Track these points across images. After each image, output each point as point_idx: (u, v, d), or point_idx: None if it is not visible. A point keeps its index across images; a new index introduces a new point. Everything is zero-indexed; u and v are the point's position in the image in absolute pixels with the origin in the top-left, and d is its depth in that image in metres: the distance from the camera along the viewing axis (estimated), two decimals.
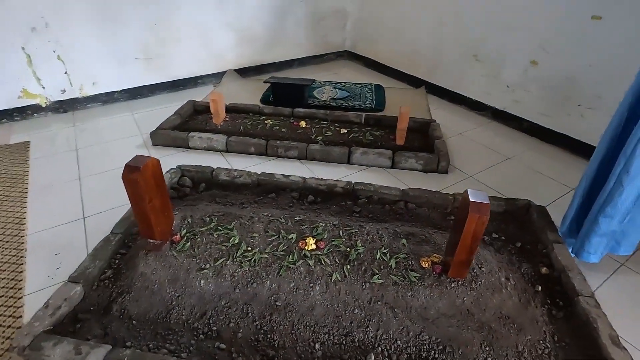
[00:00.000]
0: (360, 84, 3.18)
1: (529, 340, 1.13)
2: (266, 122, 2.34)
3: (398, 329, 1.14)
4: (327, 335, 1.14)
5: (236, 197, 1.73)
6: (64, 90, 2.59)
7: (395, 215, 1.65)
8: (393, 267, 1.26)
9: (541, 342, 1.13)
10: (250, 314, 1.18)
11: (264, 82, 2.68)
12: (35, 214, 1.68)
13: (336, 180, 1.79)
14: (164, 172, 1.30)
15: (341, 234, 1.39)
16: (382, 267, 1.27)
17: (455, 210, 1.68)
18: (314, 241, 1.34)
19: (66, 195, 1.81)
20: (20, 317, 1.24)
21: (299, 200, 1.72)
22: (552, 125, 2.30)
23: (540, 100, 2.33)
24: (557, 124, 2.28)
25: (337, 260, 1.29)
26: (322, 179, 1.80)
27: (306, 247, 1.32)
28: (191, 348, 1.10)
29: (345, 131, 2.27)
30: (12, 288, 1.33)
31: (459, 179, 1.98)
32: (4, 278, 1.37)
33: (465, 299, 1.18)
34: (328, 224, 1.44)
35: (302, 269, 1.26)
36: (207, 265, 1.27)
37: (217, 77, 3.21)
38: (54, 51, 2.44)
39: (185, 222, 1.42)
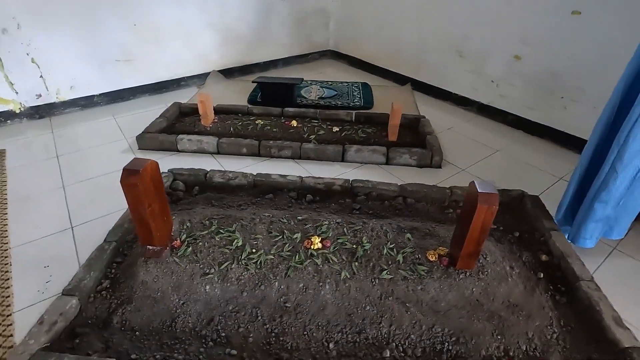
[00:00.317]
0: (346, 82, 3.19)
1: (537, 326, 1.15)
2: (257, 122, 2.30)
3: (411, 323, 1.14)
4: (340, 334, 1.12)
5: (233, 199, 1.69)
6: (40, 95, 2.46)
7: (395, 210, 1.65)
8: (401, 262, 1.26)
9: (549, 327, 1.16)
10: (260, 317, 1.15)
11: (253, 82, 2.64)
12: (18, 226, 1.58)
13: (334, 178, 1.78)
14: None
15: (346, 231, 1.38)
16: (390, 262, 1.26)
17: (453, 204, 1.70)
18: (320, 240, 1.32)
19: (50, 205, 1.71)
20: (11, 335, 1.16)
21: (297, 200, 1.70)
22: (537, 118, 2.38)
23: (524, 94, 2.40)
24: (541, 117, 2.35)
25: (345, 258, 1.28)
26: (319, 178, 1.78)
27: (312, 247, 1.30)
28: (201, 356, 1.06)
29: (338, 129, 2.26)
30: None
31: (452, 173, 2.00)
32: None
33: (474, 289, 1.20)
34: (331, 222, 1.42)
35: (310, 268, 1.24)
36: (212, 270, 1.23)
37: (201, 78, 3.13)
38: (27, 54, 2.31)
39: (184, 226, 1.38)
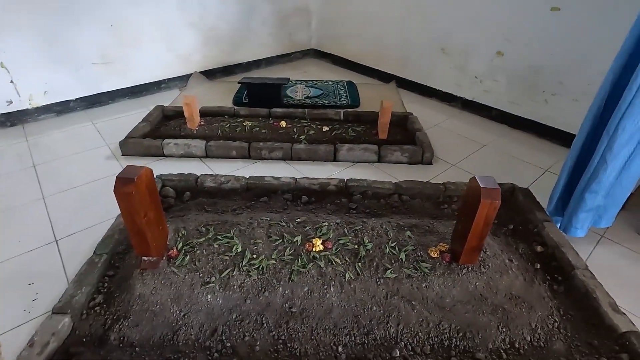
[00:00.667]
0: (331, 81, 3.17)
1: (539, 316, 1.17)
2: (244, 124, 2.26)
3: (418, 321, 1.14)
4: (348, 337, 1.11)
5: (226, 204, 1.64)
6: (11, 102, 2.32)
7: (392, 208, 1.65)
8: (404, 260, 1.26)
9: (549, 317, 1.18)
10: (265, 325, 1.12)
11: (238, 82, 2.59)
12: None
13: (328, 178, 1.76)
14: None
15: (346, 231, 1.37)
16: (393, 261, 1.26)
17: (448, 199, 1.72)
18: (321, 242, 1.30)
19: (31, 218, 1.61)
20: None
21: (292, 202, 1.67)
22: (520, 112, 2.44)
23: (507, 89, 2.46)
24: (524, 111, 2.42)
25: (348, 259, 1.27)
26: (314, 178, 1.76)
27: (314, 249, 1.28)
28: None
29: (327, 129, 2.24)
30: None
31: (443, 169, 2.03)
32: None
33: (477, 283, 1.21)
34: (331, 223, 1.41)
35: (313, 271, 1.22)
36: (212, 278, 1.18)
37: (183, 80, 3.04)
38: None
39: (180, 234, 1.33)
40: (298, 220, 1.43)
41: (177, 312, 1.13)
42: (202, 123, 2.26)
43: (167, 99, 2.80)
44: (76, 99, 2.56)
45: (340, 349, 1.08)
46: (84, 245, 1.46)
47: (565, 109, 2.21)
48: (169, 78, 2.96)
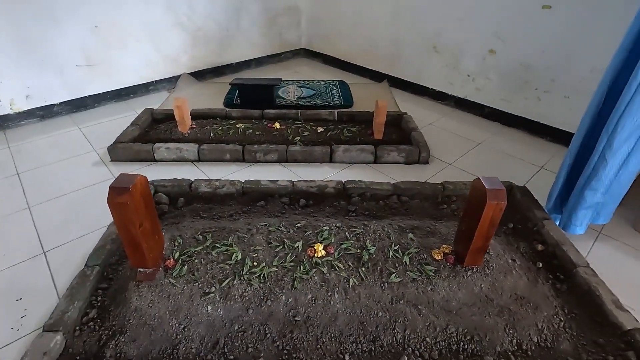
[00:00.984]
0: (323, 81, 3.14)
1: (545, 316, 1.16)
2: (237, 126, 2.21)
3: (425, 326, 1.12)
4: (354, 344, 1.08)
5: (222, 209, 1.60)
6: None
7: (391, 210, 1.63)
8: (408, 263, 1.24)
9: (554, 316, 1.18)
10: (269, 335, 1.08)
11: (230, 84, 2.53)
12: None
13: (326, 181, 1.73)
14: None
15: (348, 235, 1.34)
16: (397, 265, 1.24)
17: (446, 199, 1.71)
18: (323, 247, 1.27)
19: (16, 229, 1.54)
20: None
21: (290, 206, 1.64)
22: (512, 109, 2.45)
23: (500, 87, 2.47)
24: (516, 108, 2.43)
25: (351, 264, 1.24)
26: (311, 181, 1.73)
27: (316, 255, 1.25)
28: None
29: (322, 129, 2.21)
30: None
31: (440, 168, 2.02)
32: None
33: (482, 285, 1.20)
34: (332, 227, 1.38)
35: (316, 278, 1.19)
36: (212, 289, 1.14)
37: (171, 82, 2.97)
38: None
39: (176, 243, 1.28)
40: (298, 224, 1.39)
41: (177, 325, 1.08)
42: (194, 126, 2.20)
43: (155, 101, 2.73)
44: (60, 103, 2.47)
45: (347, 357, 1.05)
46: (74, 256, 1.39)
47: (557, 106, 2.22)
48: (157, 80, 2.89)
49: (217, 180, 1.72)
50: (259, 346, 1.06)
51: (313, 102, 2.72)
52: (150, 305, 1.10)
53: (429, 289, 1.18)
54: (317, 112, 2.40)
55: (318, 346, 1.07)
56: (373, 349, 1.08)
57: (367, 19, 3.10)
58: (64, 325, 1.07)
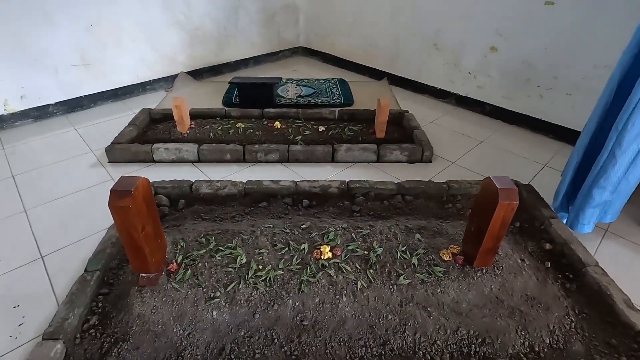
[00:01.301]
0: (323, 79, 3.11)
1: (556, 317, 1.15)
2: (237, 125, 2.17)
3: (435, 329, 1.09)
4: (364, 349, 1.05)
5: (224, 211, 1.57)
6: None
7: (396, 209, 1.61)
8: (416, 264, 1.21)
9: (566, 317, 1.16)
10: (276, 340, 1.06)
11: (229, 83, 2.49)
12: None
13: (329, 181, 1.71)
14: None
15: (354, 236, 1.31)
16: (405, 266, 1.21)
17: (451, 198, 1.69)
18: (329, 249, 1.25)
19: (12, 233, 1.50)
20: None
21: (293, 206, 1.61)
22: (514, 107, 2.43)
23: (501, 85, 2.45)
24: (518, 106, 2.41)
25: (358, 266, 1.21)
26: (314, 181, 1.70)
27: (322, 257, 1.22)
28: None
29: (323, 128, 2.18)
30: None
31: (443, 167, 2.00)
32: None
33: (492, 286, 1.18)
34: (337, 228, 1.35)
35: (323, 281, 1.16)
36: (217, 293, 1.11)
37: (168, 81, 2.92)
38: None
39: (178, 246, 1.25)
40: (303, 226, 1.36)
41: (181, 331, 1.05)
42: (193, 126, 2.16)
43: (152, 101, 2.68)
44: (55, 103, 2.42)
45: None
46: (73, 261, 1.36)
47: (560, 104, 2.21)
48: (154, 79, 2.84)
49: (218, 181, 1.68)
50: (266, 352, 1.04)
51: (313, 101, 2.69)
52: (154, 311, 1.07)
53: (439, 290, 1.16)
54: (318, 110, 2.37)
55: (327, 351, 1.05)
56: (383, 353, 1.05)
57: (366, 17, 3.07)
58: (64, 333, 1.03)
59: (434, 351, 1.06)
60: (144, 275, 1.09)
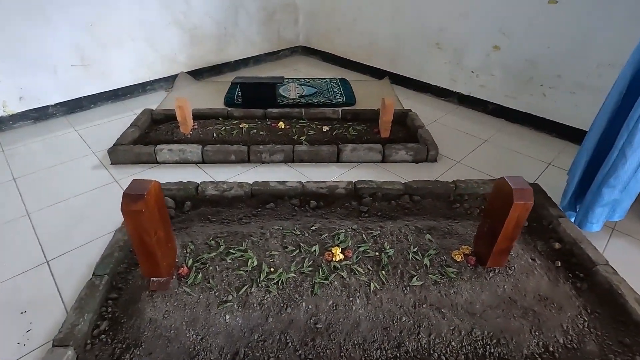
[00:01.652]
0: (324, 79, 3.10)
1: (569, 316, 1.15)
2: (241, 126, 2.15)
3: (449, 330, 1.09)
4: (379, 351, 1.05)
5: (231, 213, 1.55)
6: None
7: (404, 210, 1.60)
8: (428, 265, 1.21)
9: (578, 316, 1.16)
10: (290, 344, 1.05)
11: (232, 82, 2.47)
12: None
13: (336, 181, 1.69)
14: None
15: (365, 238, 1.30)
16: (417, 267, 1.21)
17: (459, 198, 1.68)
18: (340, 250, 1.24)
19: (16, 237, 1.47)
20: None
21: (301, 208, 1.60)
22: (517, 105, 2.44)
23: (504, 83, 2.45)
24: (521, 105, 2.42)
25: (370, 268, 1.20)
26: (321, 182, 1.69)
27: (334, 259, 1.22)
28: None
29: (327, 128, 2.17)
30: None
31: (449, 166, 1.99)
32: None
33: (505, 287, 1.17)
34: (347, 230, 1.34)
35: (336, 283, 1.15)
36: (230, 297, 1.10)
37: (169, 81, 2.90)
38: None
39: (188, 250, 1.23)
40: (312, 228, 1.35)
41: (194, 336, 1.04)
42: (195, 126, 2.14)
43: (153, 101, 2.66)
44: (55, 105, 2.39)
45: None
46: (79, 265, 1.34)
47: (563, 102, 2.21)
48: (154, 79, 2.81)
49: (224, 183, 1.67)
50: (280, 355, 1.03)
51: (315, 101, 2.68)
52: (166, 316, 1.06)
53: (452, 291, 1.15)
54: (321, 110, 2.36)
55: (341, 354, 1.04)
56: (398, 355, 1.05)
57: (366, 15, 3.06)
58: (74, 339, 1.02)
59: (449, 353, 1.05)
60: (154, 279, 1.08)
